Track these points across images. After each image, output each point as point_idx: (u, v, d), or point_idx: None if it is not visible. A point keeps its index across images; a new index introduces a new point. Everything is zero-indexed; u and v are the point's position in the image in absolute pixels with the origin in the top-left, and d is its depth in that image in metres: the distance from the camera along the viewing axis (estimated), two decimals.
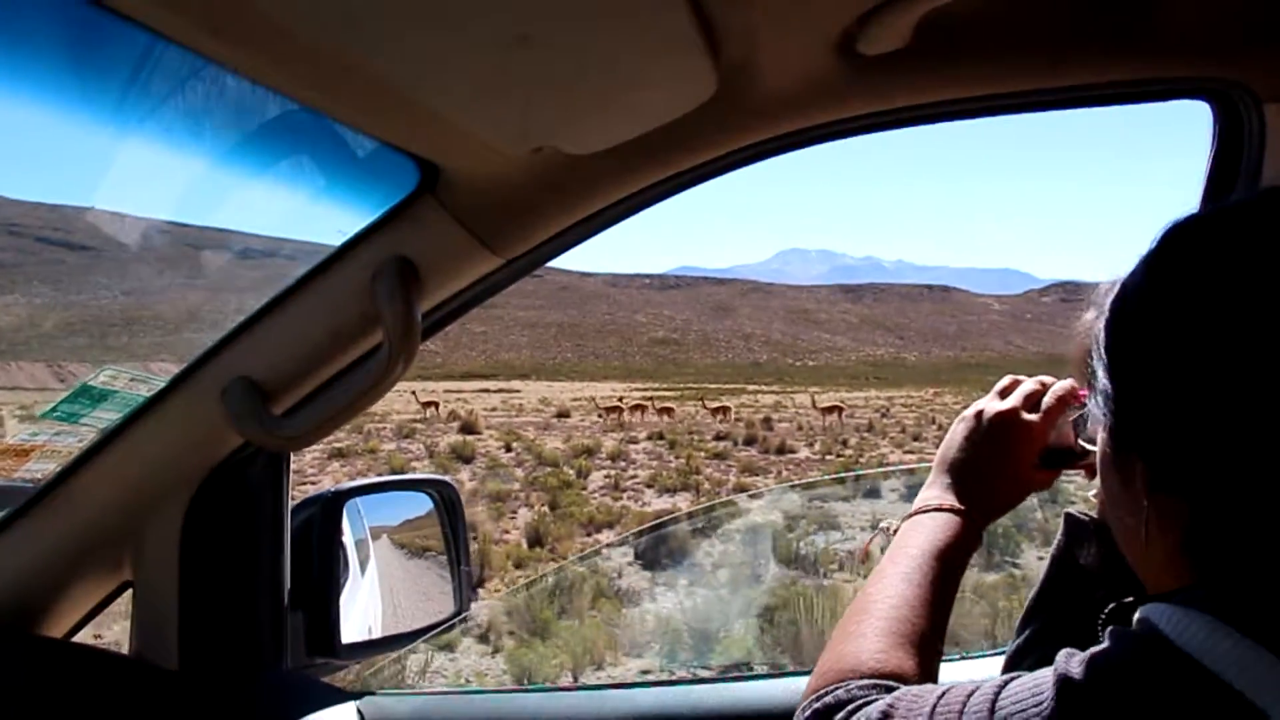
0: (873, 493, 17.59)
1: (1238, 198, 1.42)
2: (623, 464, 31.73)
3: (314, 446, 33.20)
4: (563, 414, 59.04)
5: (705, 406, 62.50)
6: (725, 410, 56.79)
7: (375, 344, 1.65)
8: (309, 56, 1.09)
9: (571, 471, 28.14)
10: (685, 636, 10.54)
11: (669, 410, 55.03)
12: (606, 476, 27.88)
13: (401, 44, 1.06)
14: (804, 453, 37.35)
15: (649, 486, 26.16)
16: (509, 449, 36.09)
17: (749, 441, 40.54)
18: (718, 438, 42.40)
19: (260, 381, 1.67)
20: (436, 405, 56.66)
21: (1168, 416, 0.94)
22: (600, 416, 54.65)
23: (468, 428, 44.89)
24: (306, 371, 1.69)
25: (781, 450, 37.33)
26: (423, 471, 28.58)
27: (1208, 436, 0.90)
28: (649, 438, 41.98)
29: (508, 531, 18.74)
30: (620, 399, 65.39)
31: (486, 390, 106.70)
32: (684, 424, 50.92)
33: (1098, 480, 1.15)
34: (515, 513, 20.94)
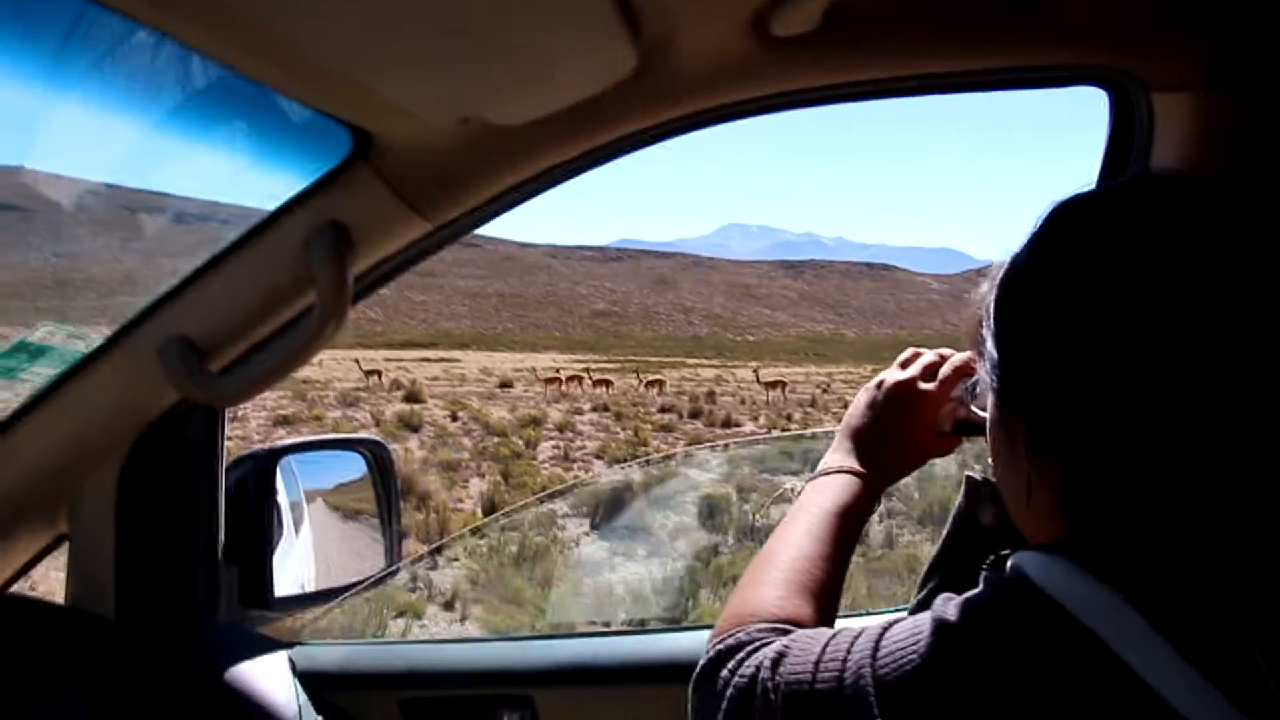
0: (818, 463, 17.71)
1: (1116, 181, 1.53)
2: (570, 435, 31.73)
3: (260, 413, 32.89)
4: (506, 384, 58.97)
5: (640, 380, 62.70)
6: (660, 384, 57.03)
7: (308, 305, 1.69)
8: (242, 26, 1.14)
9: (520, 441, 28.06)
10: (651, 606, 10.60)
11: (608, 383, 55.27)
12: (555, 447, 27.87)
13: (331, 22, 1.12)
14: (749, 426, 37.57)
15: (598, 457, 26.27)
16: (455, 418, 35.90)
17: (694, 415, 40.78)
18: (662, 410, 42.62)
19: (196, 340, 1.72)
20: (379, 374, 56.51)
21: (1047, 381, 1.02)
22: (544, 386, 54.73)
23: (412, 396, 44.69)
24: (241, 331, 1.74)
25: (727, 424, 37.58)
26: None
27: (1081, 400, 0.98)
28: (594, 409, 42.01)
29: (462, 500, 18.69)
30: (558, 370, 65.44)
31: (427, 359, 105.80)
32: (626, 396, 50.99)
33: None
34: (467, 482, 20.86)
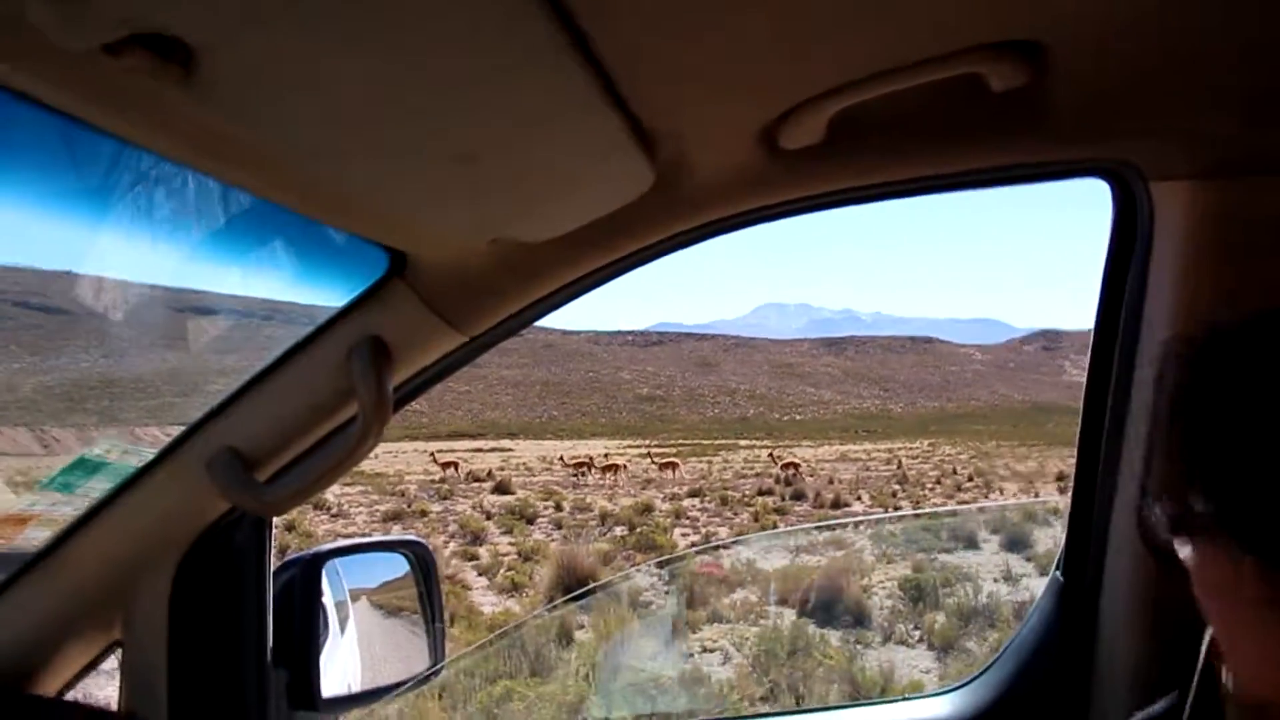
0: (970, 543, 17.70)
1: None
2: (687, 522, 31.56)
3: (361, 511, 32.88)
4: (579, 472, 58.80)
5: (652, 460, 63.31)
6: (674, 466, 57.43)
7: (350, 416, 1.77)
8: (284, 170, 1.23)
9: (647, 528, 27.89)
10: None
11: (674, 465, 56.11)
12: (684, 535, 27.70)
13: (361, 163, 1.20)
14: (858, 507, 37.23)
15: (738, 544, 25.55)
16: (559, 508, 35.83)
17: (797, 497, 40.12)
18: (760, 493, 42.06)
19: (244, 451, 1.79)
20: (456, 465, 57.78)
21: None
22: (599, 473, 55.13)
23: (502, 487, 45.24)
24: (287, 442, 1.81)
25: (837, 504, 37.11)
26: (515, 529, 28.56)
27: None
28: (690, 494, 41.74)
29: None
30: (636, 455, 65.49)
31: (480, 450, 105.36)
32: (705, 480, 50.92)
33: None
34: (629, 576, 20.23)
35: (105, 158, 1.49)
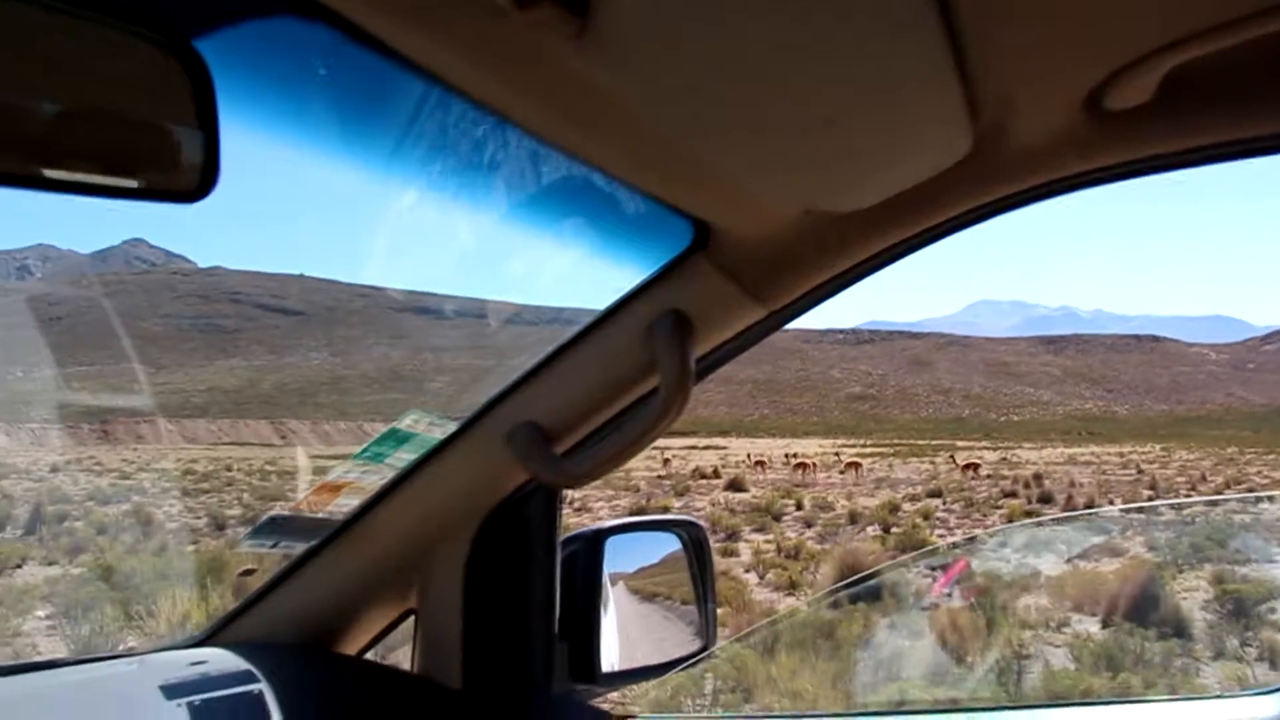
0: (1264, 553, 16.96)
1: None
2: (937, 522, 31.25)
3: (607, 505, 34.24)
4: (800, 467, 59.44)
5: (840, 460, 63.89)
6: (857, 466, 57.95)
7: (648, 389, 1.79)
8: (629, 135, 1.25)
9: (901, 527, 28.03)
10: None
11: (856, 465, 57.13)
12: (940, 536, 27.18)
13: (714, 126, 1.20)
14: (1110, 511, 35.84)
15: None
16: (799, 506, 35.93)
17: (1043, 500, 39.27)
18: (1005, 495, 41.31)
19: (543, 425, 1.83)
20: (668, 461, 61.31)
21: None
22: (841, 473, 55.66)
23: (736, 484, 46.11)
24: (585, 416, 1.84)
25: (1090, 507, 36.01)
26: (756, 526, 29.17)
27: None
28: (930, 495, 41.31)
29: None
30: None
31: (694, 447, 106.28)
32: (937, 480, 50.38)
33: None
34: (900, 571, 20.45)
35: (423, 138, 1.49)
